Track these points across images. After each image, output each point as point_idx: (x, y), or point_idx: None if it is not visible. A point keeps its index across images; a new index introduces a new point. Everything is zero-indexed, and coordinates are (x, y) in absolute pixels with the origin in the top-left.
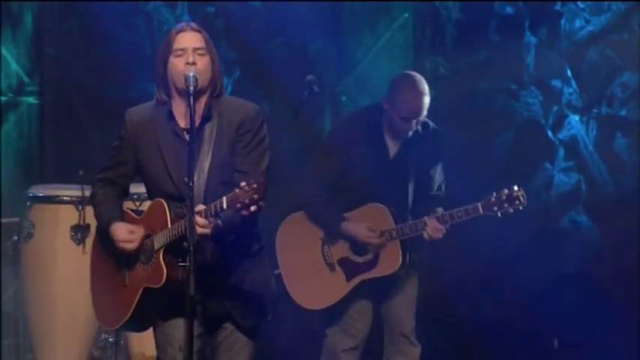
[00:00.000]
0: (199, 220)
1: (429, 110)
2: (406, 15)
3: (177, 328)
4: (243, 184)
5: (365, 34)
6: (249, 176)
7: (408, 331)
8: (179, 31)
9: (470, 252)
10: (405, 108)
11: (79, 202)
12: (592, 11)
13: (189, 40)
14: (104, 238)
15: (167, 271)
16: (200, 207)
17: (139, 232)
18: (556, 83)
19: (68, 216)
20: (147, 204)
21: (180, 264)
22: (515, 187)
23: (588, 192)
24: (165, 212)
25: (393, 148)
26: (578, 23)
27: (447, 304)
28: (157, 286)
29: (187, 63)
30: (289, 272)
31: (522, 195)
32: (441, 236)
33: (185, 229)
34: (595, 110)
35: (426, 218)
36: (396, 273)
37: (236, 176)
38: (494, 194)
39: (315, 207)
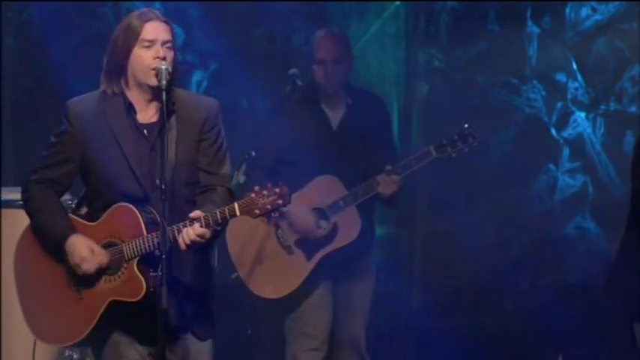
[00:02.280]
0: (197, 228)
1: (422, 104)
2: (397, 3)
3: (131, 347)
4: (257, 188)
5: (353, 23)
6: (216, 177)
7: (362, 348)
8: (147, 20)
9: (468, 260)
10: (317, 51)
11: None
12: None
13: (158, 31)
14: (49, 247)
15: (146, 283)
16: (198, 213)
17: (99, 253)
18: (560, 77)
19: (28, 222)
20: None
21: (152, 274)
22: (466, 125)
23: (595, 195)
24: (138, 219)
25: (334, 118)
26: (584, 12)
27: (443, 316)
28: (133, 300)
29: (158, 57)
30: (248, 269)
31: (475, 130)
32: (396, 188)
33: (173, 238)
34: (603, 106)
35: (377, 176)
36: (357, 241)
37: (203, 177)
38: (446, 135)
39: None
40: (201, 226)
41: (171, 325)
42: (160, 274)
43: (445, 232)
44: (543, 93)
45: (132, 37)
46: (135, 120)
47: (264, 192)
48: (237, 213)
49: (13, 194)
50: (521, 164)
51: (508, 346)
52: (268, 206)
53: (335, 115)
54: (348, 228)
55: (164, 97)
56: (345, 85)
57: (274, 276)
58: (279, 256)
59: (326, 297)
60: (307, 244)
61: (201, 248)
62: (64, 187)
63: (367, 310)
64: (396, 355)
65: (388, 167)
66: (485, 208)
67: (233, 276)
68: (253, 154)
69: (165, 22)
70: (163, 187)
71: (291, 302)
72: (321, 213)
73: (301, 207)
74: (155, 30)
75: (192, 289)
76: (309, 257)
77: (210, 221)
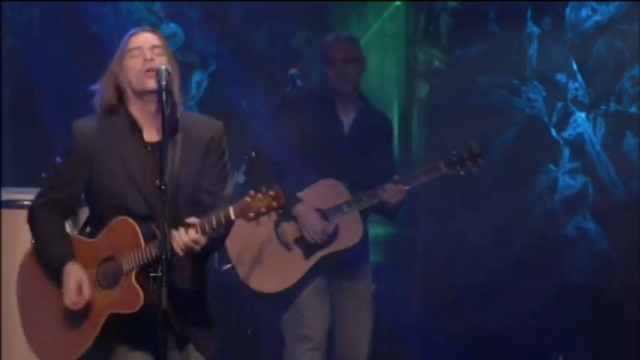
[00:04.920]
0: (192, 234)
1: (422, 104)
2: (398, 3)
3: (136, 352)
4: (252, 192)
5: (353, 23)
6: (217, 199)
7: (363, 357)
8: (132, 35)
9: (468, 262)
10: (327, 53)
11: None
12: None
13: (143, 39)
14: (49, 270)
15: (145, 294)
16: (193, 220)
17: (84, 295)
18: (560, 78)
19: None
20: None
21: (152, 274)
22: (475, 145)
23: (596, 196)
24: (136, 232)
25: (347, 123)
26: (584, 12)
27: (443, 318)
28: (131, 311)
29: (145, 59)
30: (248, 267)
31: (483, 152)
32: (401, 198)
33: (166, 252)
34: (603, 107)
35: (385, 184)
36: (356, 246)
37: (205, 198)
38: (455, 152)
39: None
40: (197, 233)
41: (175, 332)
42: (160, 274)
43: (445, 233)
44: (543, 93)
45: (121, 53)
46: (141, 138)
47: (259, 195)
48: (232, 216)
49: (13, 194)
50: (522, 164)
51: (508, 346)
52: (263, 209)
53: (347, 120)
54: (350, 232)
55: (164, 97)
56: (357, 90)
57: (272, 271)
58: (277, 252)
59: (322, 297)
60: (306, 243)
61: (198, 257)
62: (71, 207)
63: (369, 315)
64: (396, 355)
65: (396, 177)
66: (486, 208)
67: (225, 267)
68: (253, 154)
69: (151, 31)
70: (163, 187)
71: (287, 304)
72: (322, 214)
73: (311, 210)
74: (140, 39)
75: (191, 299)
76: (307, 256)
77: (206, 227)
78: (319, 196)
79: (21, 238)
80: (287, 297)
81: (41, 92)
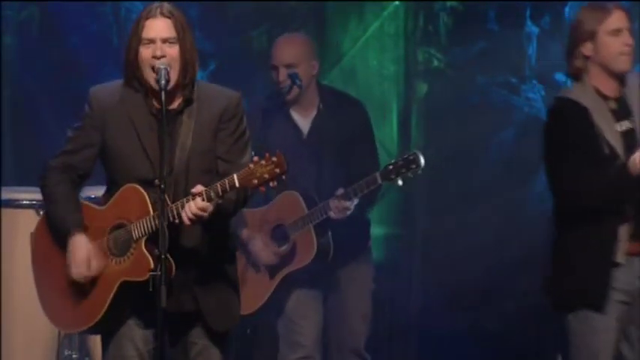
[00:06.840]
0: (199, 202)
1: (421, 104)
2: (397, 3)
3: (131, 340)
4: (256, 158)
5: (352, 22)
6: (233, 166)
7: (359, 344)
8: (148, 17)
9: (468, 261)
10: (272, 56)
11: (40, 207)
12: None
13: (158, 29)
14: (59, 235)
15: (154, 261)
16: (199, 188)
17: (97, 264)
18: (560, 77)
19: (28, 222)
20: None
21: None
22: (413, 151)
23: None
24: (145, 199)
25: (304, 125)
26: None
27: (443, 316)
28: (141, 279)
29: (154, 56)
30: None
31: (417, 158)
32: (348, 214)
33: (174, 215)
34: None
35: (330, 199)
36: (313, 262)
37: (220, 165)
38: (392, 161)
39: None
40: (203, 200)
41: (180, 312)
42: (159, 273)
43: (445, 232)
44: (543, 93)
45: (136, 35)
46: (152, 106)
47: (262, 162)
48: (237, 184)
49: (13, 194)
50: (521, 164)
51: (508, 346)
52: (266, 175)
53: (305, 122)
54: (304, 250)
55: (163, 98)
56: (317, 87)
57: (243, 294)
58: (246, 273)
59: (315, 305)
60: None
61: (207, 224)
62: (85, 172)
63: (366, 311)
64: (396, 355)
65: (340, 191)
66: (485, 208)
67: None
68: (253, 154)
69: (168, 17)
70: (162, 186)
71: (281, 310)
72: (282, 231)
73: (261, 235)
74: (154, 28)
75: (205, 275)
76: (272, 276)
77: (212, 194)
78: (280, 210)
79: (21, 238)
80: (279, 305)
81: (41, 92)
